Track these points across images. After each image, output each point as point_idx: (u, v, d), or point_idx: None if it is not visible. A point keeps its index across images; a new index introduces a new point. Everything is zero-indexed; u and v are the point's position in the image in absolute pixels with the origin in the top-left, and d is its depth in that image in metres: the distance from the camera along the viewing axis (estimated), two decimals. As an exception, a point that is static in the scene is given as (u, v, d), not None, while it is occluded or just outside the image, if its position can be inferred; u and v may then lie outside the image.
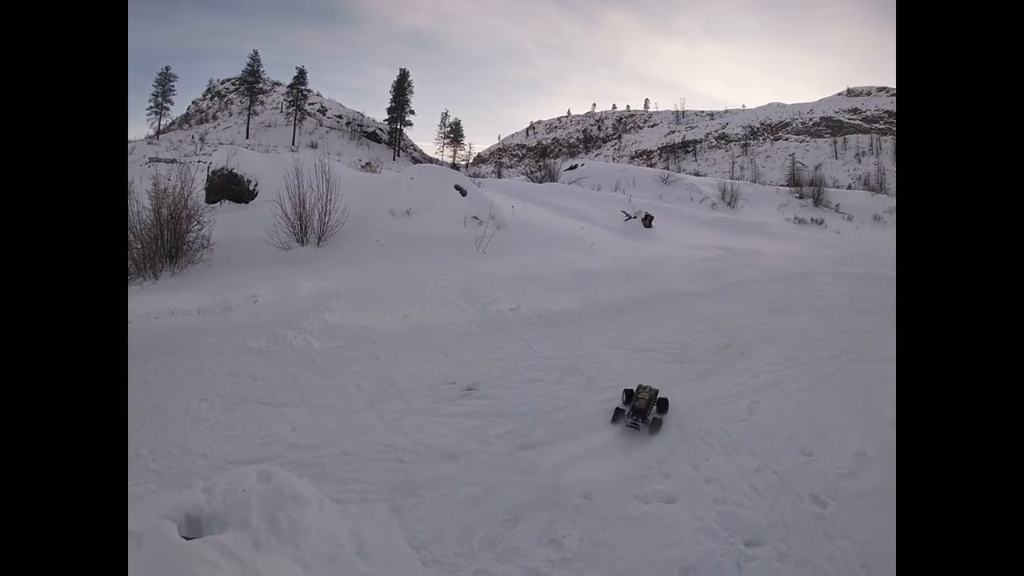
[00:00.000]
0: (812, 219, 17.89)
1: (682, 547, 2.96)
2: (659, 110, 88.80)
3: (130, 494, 3.06)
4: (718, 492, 3.39)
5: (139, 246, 7.74)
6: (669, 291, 7.41)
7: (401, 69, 61.26)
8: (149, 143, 46.88)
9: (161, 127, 56.69)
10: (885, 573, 2.77)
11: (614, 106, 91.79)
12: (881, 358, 5.33)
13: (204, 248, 8.42)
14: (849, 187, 33.11)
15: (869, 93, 74.67)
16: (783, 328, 6.28)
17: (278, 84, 65.80)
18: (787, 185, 24.65)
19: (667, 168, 37.57)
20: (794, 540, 3.03)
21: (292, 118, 58.76)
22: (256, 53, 60.49)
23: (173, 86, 56.98)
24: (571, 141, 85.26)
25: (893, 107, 66.47)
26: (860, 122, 67.68)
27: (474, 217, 9.98)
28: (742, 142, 68.73)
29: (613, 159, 66.98)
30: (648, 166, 49.01)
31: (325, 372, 4.88)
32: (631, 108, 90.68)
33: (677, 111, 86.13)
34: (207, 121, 63.84)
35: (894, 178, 39.12)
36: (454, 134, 64.20)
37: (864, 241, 14.38)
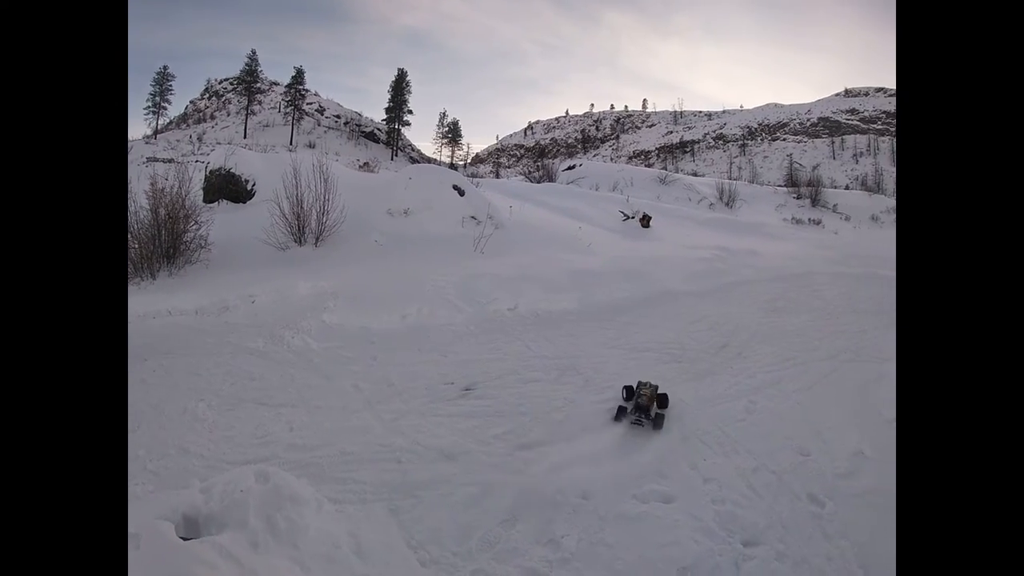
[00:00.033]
0: (810, 219, 17.93)
1: (680, 547, 2.96)
2: (657, 110, 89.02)
3: (128, 495, 3.05)
4: (716, 492, 3.40)
5: (136, 246, 7.72)
6: (667, 291, 7.42)
7: (399, 69, 61.49)
8: (147, 143, 46.81)
9: (159, 127, 56.59)
10: (883, 573, 2.78)
11: (612, 106, 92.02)
12: (878, 358, 5.35)
13: (202, 248, 8.39)
14: (847, 187, 33.18)
15: (867, 94, 74.89)
16: (780, 328, 6.30)
17: (276, 84, 65.77)
18: (785, 185, 24.70)
19: (665, 168, 37.65)
20: (792, 540, 3.03)
21: (290, 118, 58.69)
22: (254, 53, 60.38)
23: (171, 85, 56.85)
24: (569, 141, 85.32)
25: (891, 108, 66.71)
26: (858, 123, 67.85)
27: (472, 217, 9.98)
28: (740, 142, 68.84)
29: (611, 159, 67.07)
30: (646, 166, 49.09)
31: (323, 372, 4.88)
32: (629, 108, 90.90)
33: (675, 111, 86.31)
34: (205, 121, 63.74)
35: (891, 178, 39.28)
36: (452, 134, 64.18)
37: (861, 241, 14.40)
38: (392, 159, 53.38)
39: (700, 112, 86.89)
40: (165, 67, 57.06)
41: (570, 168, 23.33)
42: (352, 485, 3.41)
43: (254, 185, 10.64)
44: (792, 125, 70.87)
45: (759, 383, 4.83)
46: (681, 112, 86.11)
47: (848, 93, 76.57)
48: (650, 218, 12.89)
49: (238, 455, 3.68)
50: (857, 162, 56.96)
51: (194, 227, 8.38)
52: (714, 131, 73.88)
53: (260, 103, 62.34)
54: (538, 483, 3.44)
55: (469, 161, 68.33)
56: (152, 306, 6.09)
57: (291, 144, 51.72)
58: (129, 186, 8.45)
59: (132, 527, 2.33)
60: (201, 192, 10.53)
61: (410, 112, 60.15)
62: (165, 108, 57.15)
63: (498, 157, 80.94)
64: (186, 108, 68.35)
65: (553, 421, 4.19)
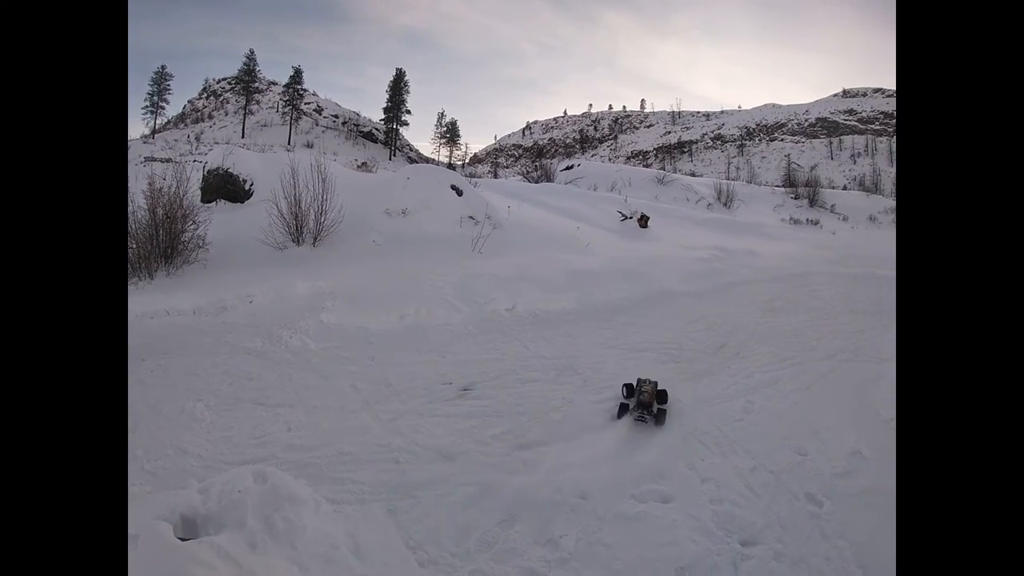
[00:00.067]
0: (807, 220, 17.97)
1: (678, 547, 2.96)
2: (655, 111, 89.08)
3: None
4: (714, 492, 3.40)
5: (134, 246, 7.70)
6: (665, 291, 7.43)
7: (397, 69, 61.42)
8: (145, 142, 46.76)
9: (157, 126, 56.52)
10: (882, 572, 2.79)
11: (610, 106, 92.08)
12: (876, 358, 5.36)
13: (199, 248, 8.37)
14: (844, 188, 33.24)
15: (865, 94, 75.04)
16: (778, 328, 6.31)
17: (274, 83, 65.63)
18: (783, 186, 24.75)
19: (663, 168, 37.69)
20: (790, 539, 3.04)
21: (288, 117, 58.59)
22: (252, 52, 60.29)
23: (169, 85, 56.77)
24: (567, 141, 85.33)
25: (888, 108, 66.84)
26: (856, 123, 67.96)
27: (470, 217, 9.97)
28: (738, 143, 68.93)
29: (609, 159, 67.09)
30: (644, 166, 49.12)
31: (321, 372, 4.87)
32: (627, 108, 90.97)
33: (673, 112, 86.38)
34: (203, 120, 63.62)
35: (889, 179, 39.36)
36: (450, 134, 64.14)
37: (859, 242, 14.44)
38: (390, 159, 53.34)
39: (698, 112, 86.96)
40: (163, 67, 57.12)
41: (568, 168, 23.36)
42: (350, 485, 3.41)
43: (252, 185, 10.62)
44: (790, 125, 70.95)
45: (757, 383, 4.84)
46: (679, 112, 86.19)
47: (846, 94, 76.71)
48: (648, 218, 12.90)
49: (236, 455, 3.67)
50: (855, 162, 57.04)
51: (192, 227, 8.35)
52: (712, 131, 73.96)
53: (258, 103, 62.23)
54: (536, 483, 3.44)
55: (467, 161, 68.30)
56: (150, 306, 6.08)
57: (289, 144, 51.66)
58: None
59: (130, 528, 2.33)
60: (199, 192, 10.50)
61: (408, 112, 60.12)
62: (163, 108, 57.12)
63: (496, 157, 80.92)
64: (184, 108, 68.21)
65: (551, 421, 4.19)
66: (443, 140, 64.04)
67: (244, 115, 59.30)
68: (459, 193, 10.71)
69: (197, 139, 51.09)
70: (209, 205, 10.19)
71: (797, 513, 3.24)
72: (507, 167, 65.44)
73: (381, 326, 5.89)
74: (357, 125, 63.54)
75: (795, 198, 20.90)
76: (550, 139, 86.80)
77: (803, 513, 3.24)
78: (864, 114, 69.06)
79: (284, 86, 60.87)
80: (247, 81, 59.39)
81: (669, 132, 78.35)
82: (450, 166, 48.57)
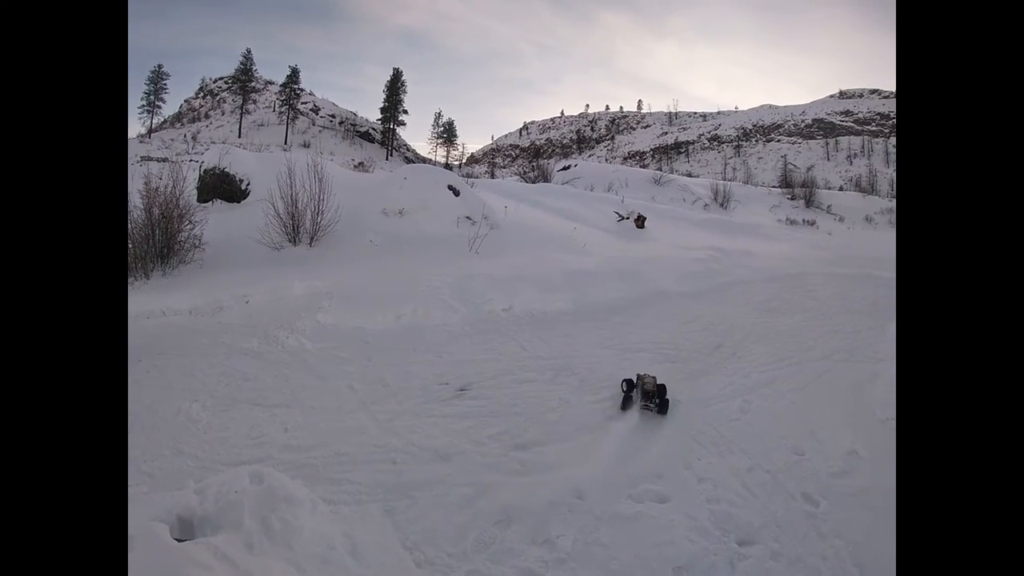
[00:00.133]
0: (804, 220, 18.04)
1: (675, 546, 2.96)
2: (652, 111, 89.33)
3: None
4: (711, 491, 3.41)
5: (130, 246, 7.67)
6: (661, 291, 7.45)
7: (394, 68, 61.36)
8: (141, 142, 46.63)
9: (153, 125, 56.39)
10: (879, 571, 2.79)
11: (607, 107, 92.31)
12: (872, 358, 5.38)
13: (196, 248, 8.35)
14: (841, 188, 33.38)
15: (861, 95, 75.34)
16: (775, 328, 6.33)
17: (271, 83, 65.59)
18: (779, 186, 24.86)
19: (660, 169, 37.72)
20: (787, 539, 3.04)
21: (285, 117, 58.54)
22: (249, 52, 60.44)
23: (165, 84, 56.80)
24: (564, 142, 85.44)
25: (884, 109, 67.08)
26: (852, 124, 68.22)
27: (467, 217, 9.97)
28: (734, 143, 69.12)
29: (606, 160, 67.19)
30: (641, 167, 49.19)
31: (317, 373, 4.86)
32: (624, 109, 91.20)
33: (670, 112, 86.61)
34: (199, 120, 63.53)
35: (885, 180, 39.50)
36: (447, 134, 64.21)
37: (855, 242, 14.51)
38: (387, 159, 53.33)
39: (695, 113, 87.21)
40: (160, 66, 57.00)
41: (565, 168, 23.39)
42: (347, 486, 3.40)
43: (248, 185, 10.60)
44: (787, 126, 71.17)
45: (753, 383, 4.85)
46: (676, 113, 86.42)
47: (842, 95, 77.00)
48: (645, 219, 12.92)
49: (232, 456, 3.66)
50: (851, 163, 57.29)
51: (188, 227, 8.34)
52: (709, 132, 74.13)
53: (255, 102, 62.18)
54: (533, 483, 3.44)
55: (464, 161, 68.33)
56: (146, 306, 6.06)
57: (286, 144, 51.60)
58: (122, 185, 8.40)
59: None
60: (195, 191, 10.48)
61: (405, 112, 60.20)
62: (159, 107, 57.07)
63: (493, 157, 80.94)
64: (180, 107, 68.14)
65: (548, 421, 4.19)
66: (440, 140, 64.12)
67: (241, 115, 59.23)
68: (456, 193, 10.71)
69: (193, 138, 50.99)
70: (205, 205, 10.17)
71: (794, 513, 3.24)
72: (504, 167, 65.48)
73: (378, 326, 5.88)
74: (354, 125, 63.51)
75: (791, 199, 20.98)
76: (547, 139, 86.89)
77: (800, 513, 3.24)
78: (860, 115, 69.33)
79: (281, 86, 60.81)
80: (244, 80, 59.36)
81: (666, 133, 78.52)
82: (447, 166, 48.57)
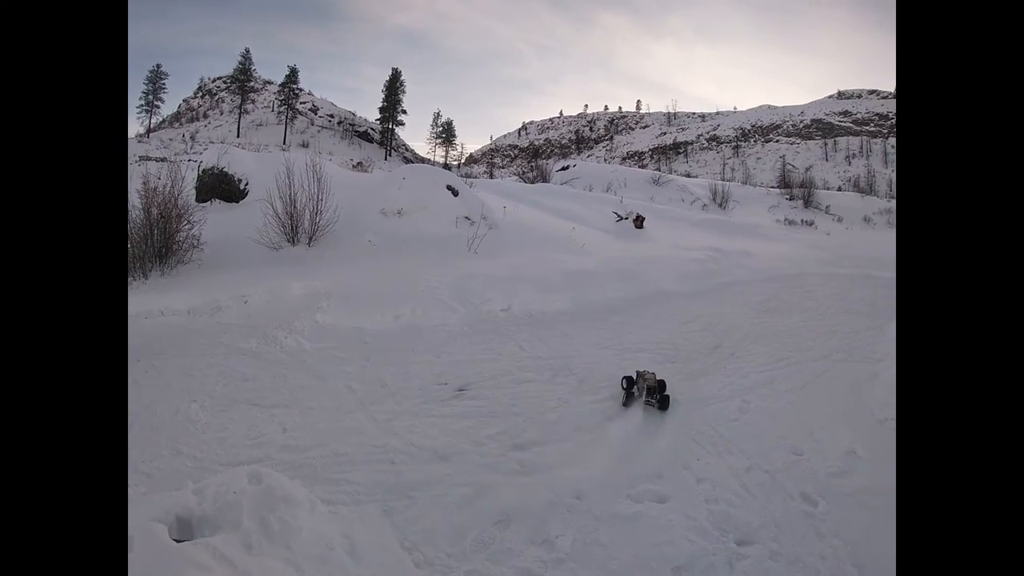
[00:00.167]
0: (802, 220, 18.06)
1: (674, 546, 2.96)
2: (651, 111, 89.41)
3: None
4: (709, 491, 3.41)
5: (129, 246, 7.66)
6: (660, 291, 7.45)
7: (393, 68, 61.32)
8: (139, 141, 46.55)
9: (151, 125, 56.31)
10: (877, 571, 2.80)
11: (606, 107, 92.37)
12: (871, 358, 5.39)
13: (194, 248, 8.34)
14: (839, 189, 33.42)
15: (860, 96, 75.47)
16: (773, 328, 6.33)
17: (269, 83, 65.56)
18: (778, 187, 24.85)
19: (658, 169, 37.73)
20: (785, 539, 3.04)
21: (283, 117, 58.50)
22: (248, 51, 60.40)
23: (164, 84, 56.74)
24: (563, 142, 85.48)
25: (883, 110, 67.18)
26: (850, 124, 68.32)
27: (466, 217, 9.97)
28: (733, 144, 69.17)
29: (605, 160, 67.25)
30: (640, 167, 49.20)
31: (316, 373, 4.86)
32: (623, 109, 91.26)
33: (669, 113, 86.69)
34: (198, 119, 63.49)
35: (884, 180, 39.56)
36: (446, 134, 64.23)
37: (854, 243, 14.53)
38: (386, 159, 53.32)
39: (694, 113, 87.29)
40: (158, 65, 56.93)
41: (564, 169, 23.39)
42: (346, 486, 3.40)
43: (247, 184, 10.59)
44: (785, 127, 71.26)
45: (752, 383, 4.85)
46: (675, 113, 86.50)
47: (841, 95, 77.14)
48: (643, 219, 12.93)
49: (231, 456, 3.66)
50: (850, 164, 57.35)
51: (187, 227, 8.32)
52: (707, 132, 74.20)
53: (253, 102, 62.14)
54: (532, 483, 3.44)
55: (463, 161, 68.34)
56: (144, 306, 6.05)
57: (284, 143, 51.55)
58: (121, 185, 8.38)
59: (124, 529, 2.32)
60: (194, 191, 10.47)
61: (404, 112, 60.22)
62: (158, 106, 56.98)
63: (492, 157, 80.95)
64: (179, 107, 68.11)
65: (547, 421, 4.19)
66: (439, 140, 64.14)
67: (239, 114, 59.18)
68: (455, 193, 10.71)
69: (192, 138, 50.93)
70: (204, 205, 10.15)
71: (792, 513, 3.25)
72: (503, 167, 65.49)
73: (376, 326, 5.88)
74: (353, 125, 63.48)
75: (790, 199, 21.00)
76: (546, 140, 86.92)
77: (798, 512, 3.25)
78: (859, 116, 69.46)
79: (280, 85, 60.77)
80: (243, 80, 59.31)
81: (665, 133, 78.58)
82: (446, 166, 48.56)
